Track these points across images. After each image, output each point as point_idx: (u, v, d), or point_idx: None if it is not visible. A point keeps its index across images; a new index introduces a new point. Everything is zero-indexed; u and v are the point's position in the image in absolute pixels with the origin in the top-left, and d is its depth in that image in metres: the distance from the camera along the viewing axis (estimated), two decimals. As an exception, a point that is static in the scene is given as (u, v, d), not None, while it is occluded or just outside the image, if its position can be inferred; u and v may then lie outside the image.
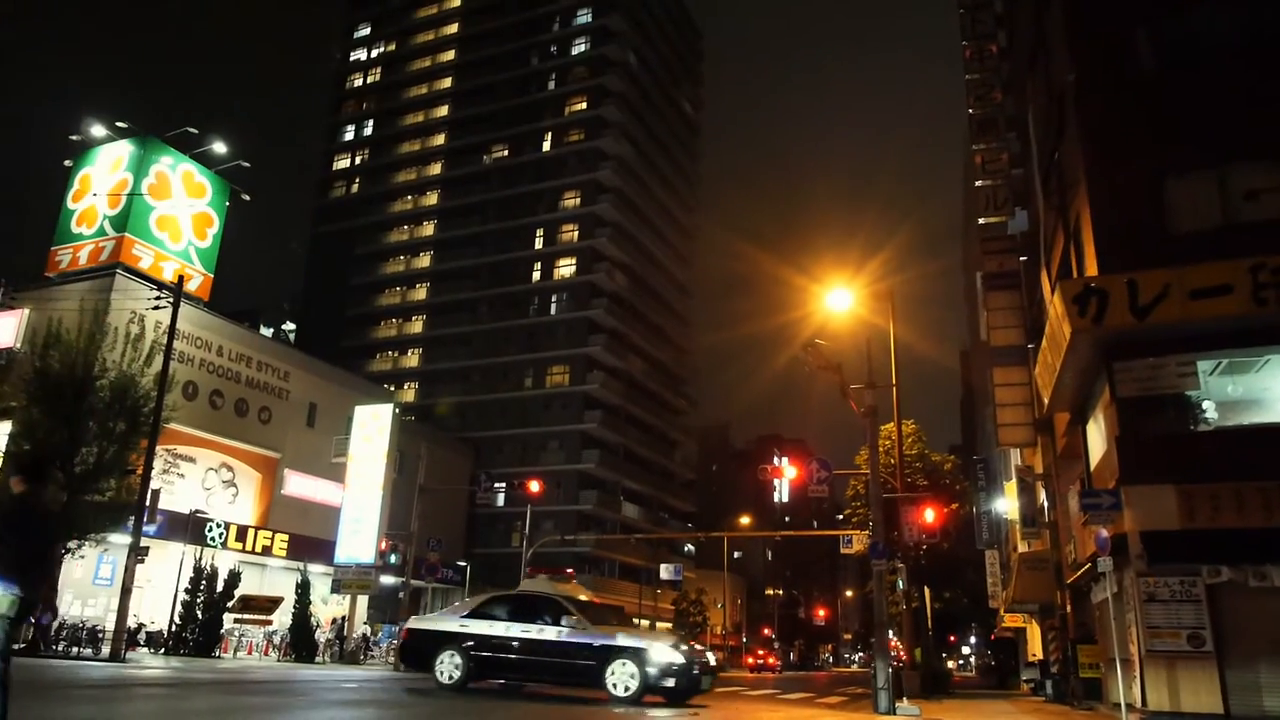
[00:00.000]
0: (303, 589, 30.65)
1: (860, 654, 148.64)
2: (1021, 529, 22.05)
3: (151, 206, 36.27)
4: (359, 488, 34.39)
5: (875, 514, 17.16)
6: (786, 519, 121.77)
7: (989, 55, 25.85)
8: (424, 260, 73.48)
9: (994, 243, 24.51)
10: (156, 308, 30.11)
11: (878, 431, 18.81)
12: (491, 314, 68.70)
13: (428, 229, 74.32)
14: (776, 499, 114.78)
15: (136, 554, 25.74)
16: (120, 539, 31.25)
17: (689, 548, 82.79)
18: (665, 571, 47.60)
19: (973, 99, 25.37)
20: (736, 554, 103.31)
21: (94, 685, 13.86)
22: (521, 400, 65.49)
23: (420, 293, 72.79)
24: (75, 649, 25.84)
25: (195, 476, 37.67)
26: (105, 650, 26.44)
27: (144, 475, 26.74)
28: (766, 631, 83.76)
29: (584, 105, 71.20)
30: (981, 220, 24.84)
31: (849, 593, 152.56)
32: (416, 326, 71.96)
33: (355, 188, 79.06)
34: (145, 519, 26.41)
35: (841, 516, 27.14)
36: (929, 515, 20.09)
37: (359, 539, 33.44)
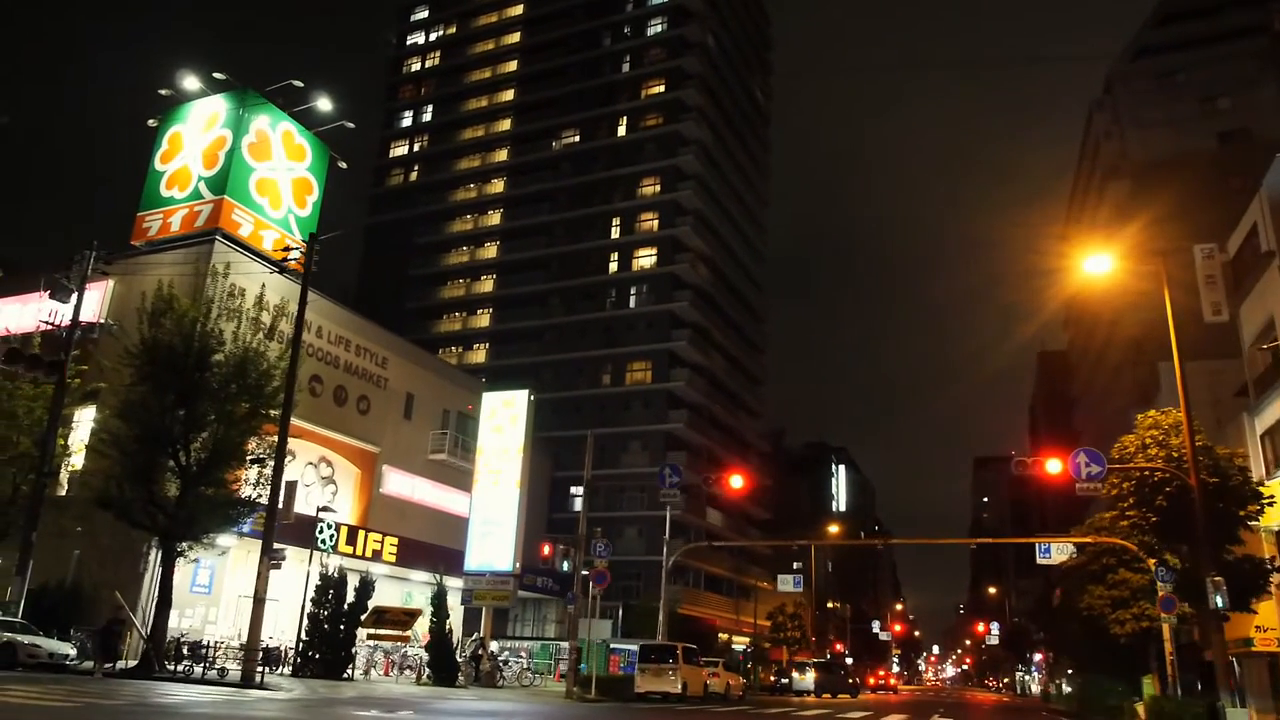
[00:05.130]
0: (438, 600, 26.52)
1: (899, 671, 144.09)
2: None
3: (251, 168, 32.39)
4: (490, 485, 30.25)
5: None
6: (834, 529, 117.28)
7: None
8: (489, 250, 69.53)
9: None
10: (281, 271, 26.26)
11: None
12: (564, 307, 64.66)
13: (493, 218, 70.38)
14: (833, 507, 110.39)
15: (270, 557, 21.63)
16: (226, 541, 27.31)
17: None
18: (784, 583, 43.41)
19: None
20: (795, 565, 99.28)
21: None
22: (599, 398, 61.36)
23: (486, 284, 68.80)
24: (200, 669, 21.76)
25: (293, 471, 33.49)
26: (228, 670, 22.40)
27: (276, 464, 22.77)
28: (839, 647, 79.29)
29: (662, 88, 67.26)
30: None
31: (898, 605, 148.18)
32: (483, 320, 67.94)
33: (414, 175, 75.25)
34: (278, 517, 22.33)
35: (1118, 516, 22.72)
36: None
37: (492, 543, 29.30)
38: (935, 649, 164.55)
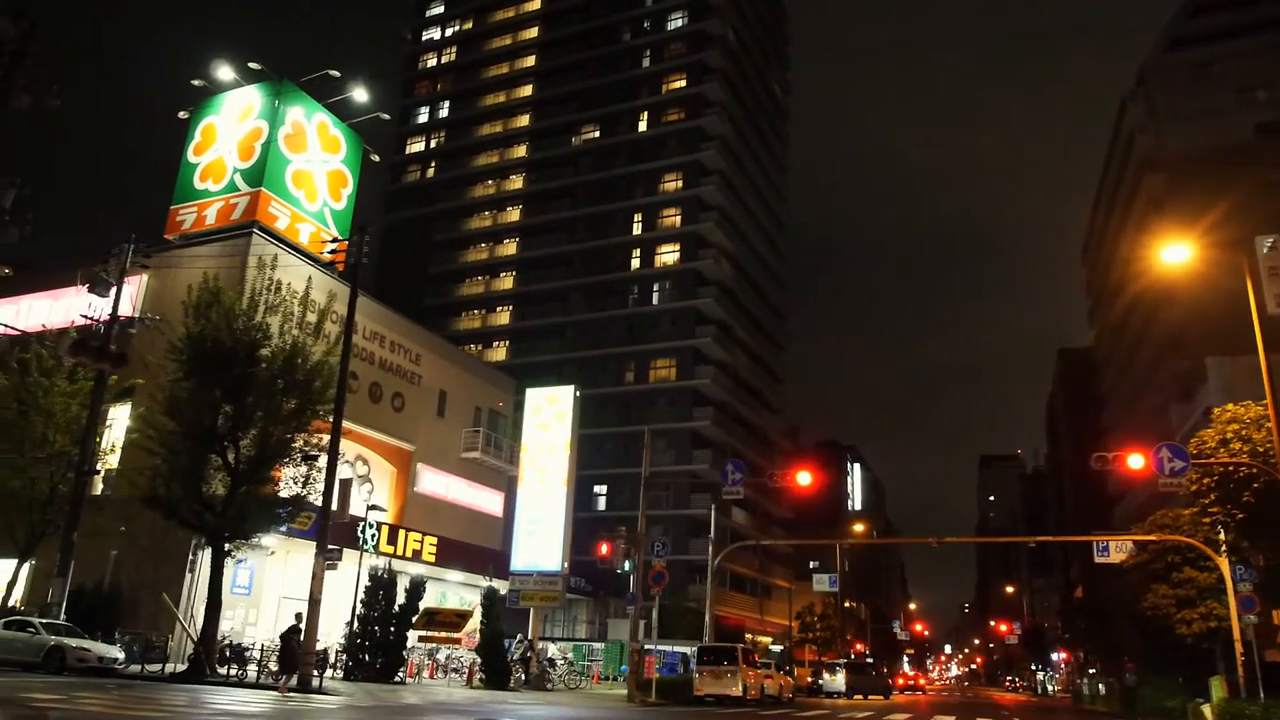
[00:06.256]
0: (489, 601, 25.84)
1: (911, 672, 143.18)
2: None
3: (288, 160, 31.74)
4: (536, 483, 29.56)
5: None
6: (859, 528, 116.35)
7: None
8: (509, 247, 68.81)
9: None
10: (318, 265, 25.60)
11: None
12: (586, 303, 63.93)
13: (512, 214, 69.67)
14: (849, 506, 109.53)
15: (326, 557, 20.96)
16: (269, 541, 26.60)
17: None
18: (819, 582, 42.72)
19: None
20: (812, 564, 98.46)
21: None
22: (622, 396, 60.62)
23: (506, 281, 68.08)
24: (253, 672, 21.07)
25: (318, 469, 32.91)
26: (271, 673, 21.66)
27: (330, 462, 22.12)
28: (860, 647, 78.62)
29: (683, 83, 66.50)
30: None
31: (911, 605, 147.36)
32: (503, 318, 67.24)
33: (431, 172, 74.54)
34: (333, 516, 21.67)
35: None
36: None
37: (538, 543, 28.66)
38: (947, 648, 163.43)
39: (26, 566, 26.23)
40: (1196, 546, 25.37)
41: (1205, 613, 26.21)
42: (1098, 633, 52.51)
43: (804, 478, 23.45)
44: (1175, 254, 22.01)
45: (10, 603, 25.06)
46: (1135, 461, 20.53)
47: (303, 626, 18.84)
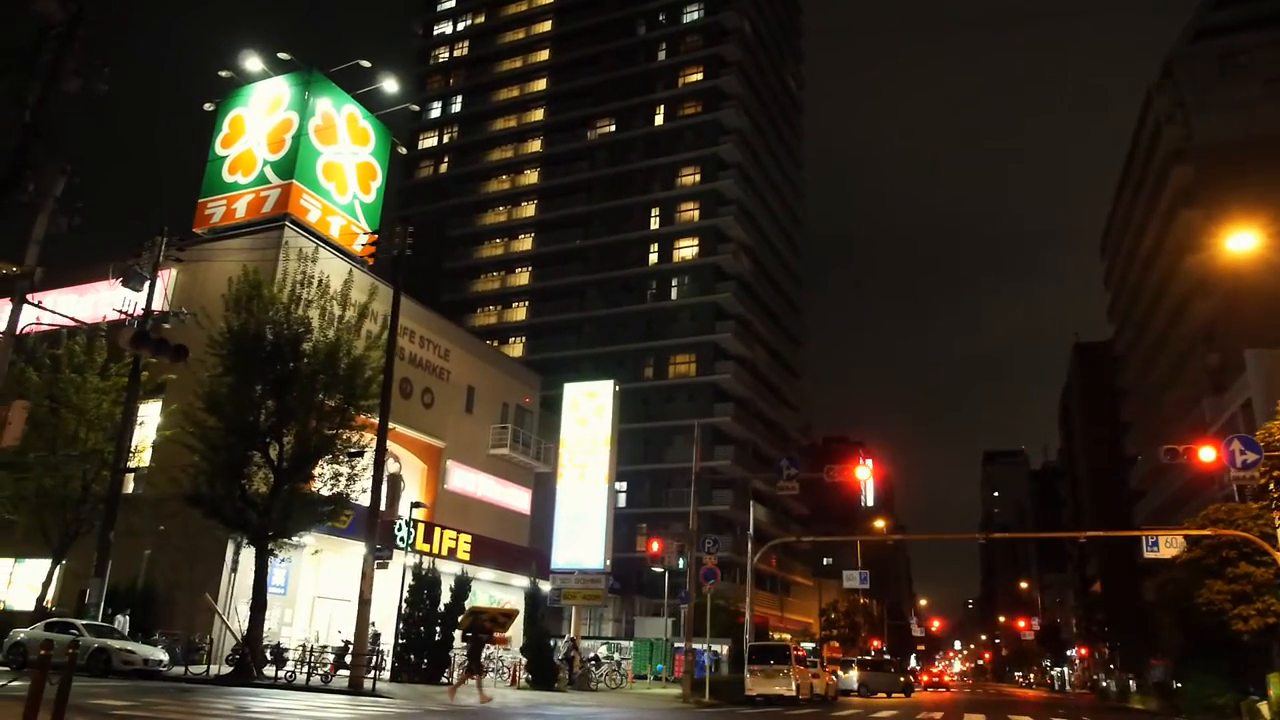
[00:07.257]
0: (533, 601, 25.34)
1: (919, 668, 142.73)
2: None
3: (318, 151, 31.19)
4: (576, 479, 29.07)
5: None
6: (880, 524, 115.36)
7: None
8: (525, 243, 68.24)
9: None
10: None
11: None
12: (603, 299, 63.37)
13: (528, 209, 69.08)
14: (863, 503, 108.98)
15: (375, 556, 20.46)
16: (310, 539, 26.08)
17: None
18: (849, 579, 42.22)
19: None
20: (826, 560, 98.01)
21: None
22: (641, 391, 59.92)
23: (522, 277, 67.53)
24: (303, 674, 20.56)
25: (361, 467, 32.43)
26: (329, 676, 21.18)
27: (377, 460, 21.64)
28: (876, 643, 78.17)
29: (699, 76, 65.87)
30: None
31: (922, 601, 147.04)
32: (519, 313, 66.70)
33: (444, 167, 73.88)
34: (378, 514, 21.16)
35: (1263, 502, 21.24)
36: None
37: (579, 540, 28.14)
38: (956, 644, 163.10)
39: (59, 567, 25.75)
40: (1253, 541, 24.88)
41: (1263, 608, 25.71)
42: (1122, 628, 52.04)
43: (862, 472, 23.01)
44: (1240, 242, 21.52)
45: (44, 603, 24.58)
46: (1207, 454, 20.03)
47: (487, 625, 18.15)
